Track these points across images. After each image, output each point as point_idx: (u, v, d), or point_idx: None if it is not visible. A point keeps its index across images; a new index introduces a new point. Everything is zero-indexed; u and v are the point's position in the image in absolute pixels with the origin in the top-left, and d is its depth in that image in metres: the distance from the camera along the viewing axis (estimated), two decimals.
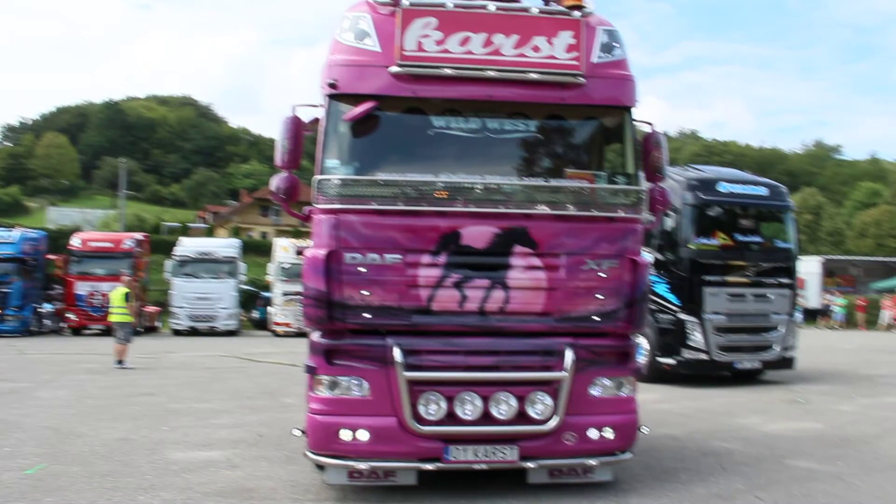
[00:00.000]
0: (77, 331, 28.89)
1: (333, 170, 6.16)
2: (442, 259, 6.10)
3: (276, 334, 30.58)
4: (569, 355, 6.16)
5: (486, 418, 6.08)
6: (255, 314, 36.13)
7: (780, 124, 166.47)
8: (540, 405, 6.15)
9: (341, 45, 6.23)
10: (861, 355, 20.97)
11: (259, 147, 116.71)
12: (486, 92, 6.18)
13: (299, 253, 30.72)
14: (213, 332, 29.90)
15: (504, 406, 6.11)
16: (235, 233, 54.52)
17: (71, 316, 28.62)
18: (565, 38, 6.18)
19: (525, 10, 6.31)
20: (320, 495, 6.46)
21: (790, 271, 14.83)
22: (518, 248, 6.19)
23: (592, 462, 6.37)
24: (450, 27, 6.06)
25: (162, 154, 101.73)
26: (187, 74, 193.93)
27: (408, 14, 6.02)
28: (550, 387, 6.17)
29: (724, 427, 9.97)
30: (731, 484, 7.06)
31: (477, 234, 6.14)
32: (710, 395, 12.93)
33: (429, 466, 6.09)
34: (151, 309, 31.91)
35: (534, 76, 6.16)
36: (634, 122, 6.60)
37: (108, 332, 28.52)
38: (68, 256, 29.19)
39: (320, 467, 6.38)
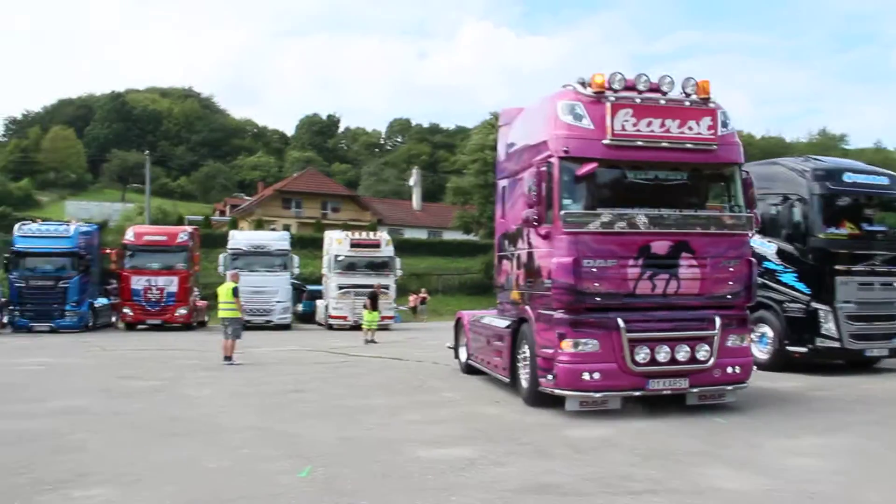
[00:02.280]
0: (131, 326, 28.65)
1: (568, 206, 9.35)
2: (640, 262, 9.40)
3: (331, 327, 30.22)
4: (718, 320, 9.57)
5: (672, 361, 9.32)
6: (300, 307, 35.89)
7: (778, 113, 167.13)
8: (703, 352, 9.47)
9: (564, 124, 9.48)
10: None
11: (265, 139, 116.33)
12: (661, 156, 9.58)
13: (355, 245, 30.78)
14: (266, 327, 29.59)
15: (683, 353, 9.38)
16: (259, 225, 54.00)
17: (127, 311, 28.33)
18: (706, 121, 9.66)
19: (681, 102, 9.69)
20: (630, 488, 6.38)
21: None
22: (684, 254, 9.55)
23: (728, 388, 9.79)
24: (639, 115, 9.42)
25: (168, 146, 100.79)
26: (186, 66, 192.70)
27: (615, 107, 9.36)
28: (708, 340, 9.50)
29: None
30: None
31: (660, 246, 9.48)
32: (855, 382, 12.86)
33: (637, 393, 9.37)
34: (201, 303, 31.59)
35: (689, 146, 9.61)
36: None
37: (160, 326, 28.52)
38: (122, 250, 28.89)
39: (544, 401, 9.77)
